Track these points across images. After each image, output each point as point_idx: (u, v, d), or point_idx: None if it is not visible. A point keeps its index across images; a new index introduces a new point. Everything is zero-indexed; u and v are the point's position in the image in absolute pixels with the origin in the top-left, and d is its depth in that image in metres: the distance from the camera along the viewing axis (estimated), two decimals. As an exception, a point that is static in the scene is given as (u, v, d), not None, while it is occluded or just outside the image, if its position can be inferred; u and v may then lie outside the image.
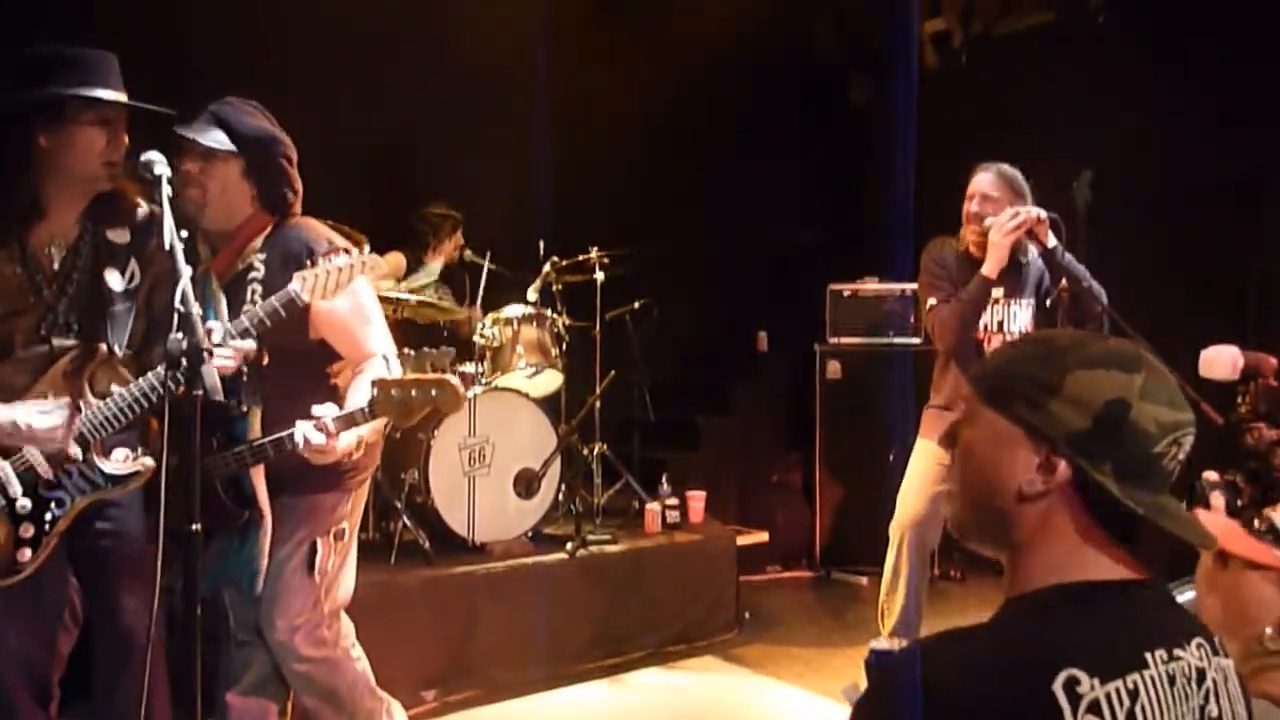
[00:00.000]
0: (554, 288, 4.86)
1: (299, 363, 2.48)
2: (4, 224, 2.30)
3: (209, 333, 2.08)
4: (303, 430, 2.26)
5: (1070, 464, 1.14)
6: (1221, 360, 2.43)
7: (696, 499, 4.88)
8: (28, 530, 2.25)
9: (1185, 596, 1.76)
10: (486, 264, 5.08)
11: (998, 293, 3.52)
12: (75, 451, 2.24)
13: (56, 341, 2.31)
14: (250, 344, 2.24)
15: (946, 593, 4.98)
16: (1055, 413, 1.14)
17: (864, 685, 3.79)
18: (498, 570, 3.99)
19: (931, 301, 3.58)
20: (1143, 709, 1.07)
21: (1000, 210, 3.46)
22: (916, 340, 5.30)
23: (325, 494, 2.54)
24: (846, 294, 5.56)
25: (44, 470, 2.25)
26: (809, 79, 6.34)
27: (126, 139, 2.35)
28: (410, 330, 4.60)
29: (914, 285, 4.16)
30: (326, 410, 2.29)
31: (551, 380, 4.72)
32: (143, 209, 2.44)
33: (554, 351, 4.65)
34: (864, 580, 5.21)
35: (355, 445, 2.35)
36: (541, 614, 4.00)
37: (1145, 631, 1.12)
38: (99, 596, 2.43)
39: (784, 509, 5.63)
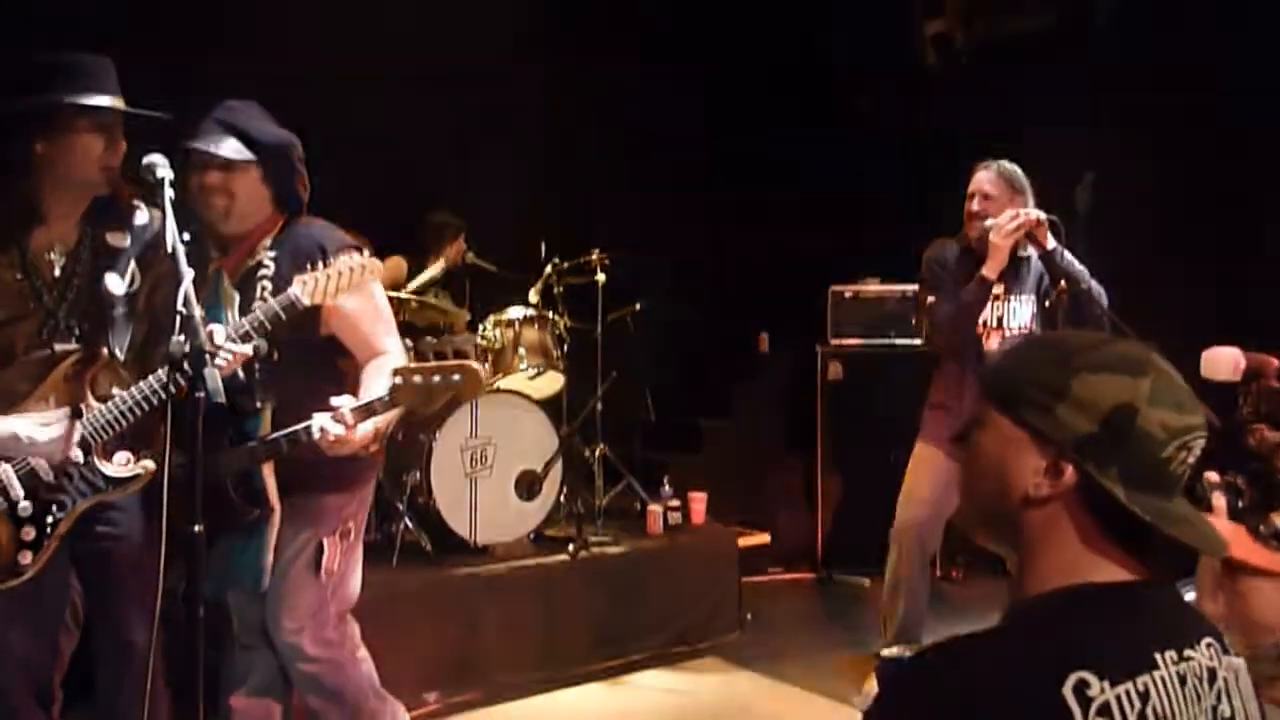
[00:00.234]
0: (555, 289, 4.87)
1: (311, 359, 2.49)
2: (4, 230, 2.30)
3: (210, 335, 2.08)
4: (320, 421, 2.26)
5: (1076, 469, 1.14)
6: (1223, 361, 2.43)
7: (698, 500, 4.87)
8: (29, 533, 2.25)
9: (1185, 598, 1.76)
10: (489, 266, 5.09)
11: (998, 289, 3.52)
12: (77, 455, 2.24)
13: (58, 346, 2.32)
14: (247, 348, 2.24)
15: (948, 594, 4.97)
16: (1061, 417, 1.14)
17: (869, 687, 3.81)
18: (499, 572, 3.99)
19: (931, 300, 3.58)
20: (1154, 710, 1.06)
21: (999, 208, 3.46)
22: (918, 341, 5.29)
23: (332, 494, 2.55)
24: (848, 295, 5.55)
25: (45, 473, 2.25)
26: (811, 80, 6.33)
27: (124, 144, 2.35)
28: (409, 333, 4.59)
29: (915, 286, 4.16)
30: (344, 401, 2.29)
31: (553, 382, 4.72)
32: (141, 212, 2.44)
33: (555, 353, 4.66)
34: (866, 582, 5.21)
35: (372, 436, 2.35)
36: (543, 615, 4.01)
37: (1154, 632, 1.12)
38: (100, 598, 2.44)
39: (786, 510, 5.62)
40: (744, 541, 4.87)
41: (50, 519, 2.27)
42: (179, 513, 1.94)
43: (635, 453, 5.32)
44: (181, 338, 1.96)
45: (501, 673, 3.83)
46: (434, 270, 5.07)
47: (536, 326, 4.61)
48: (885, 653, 3.63)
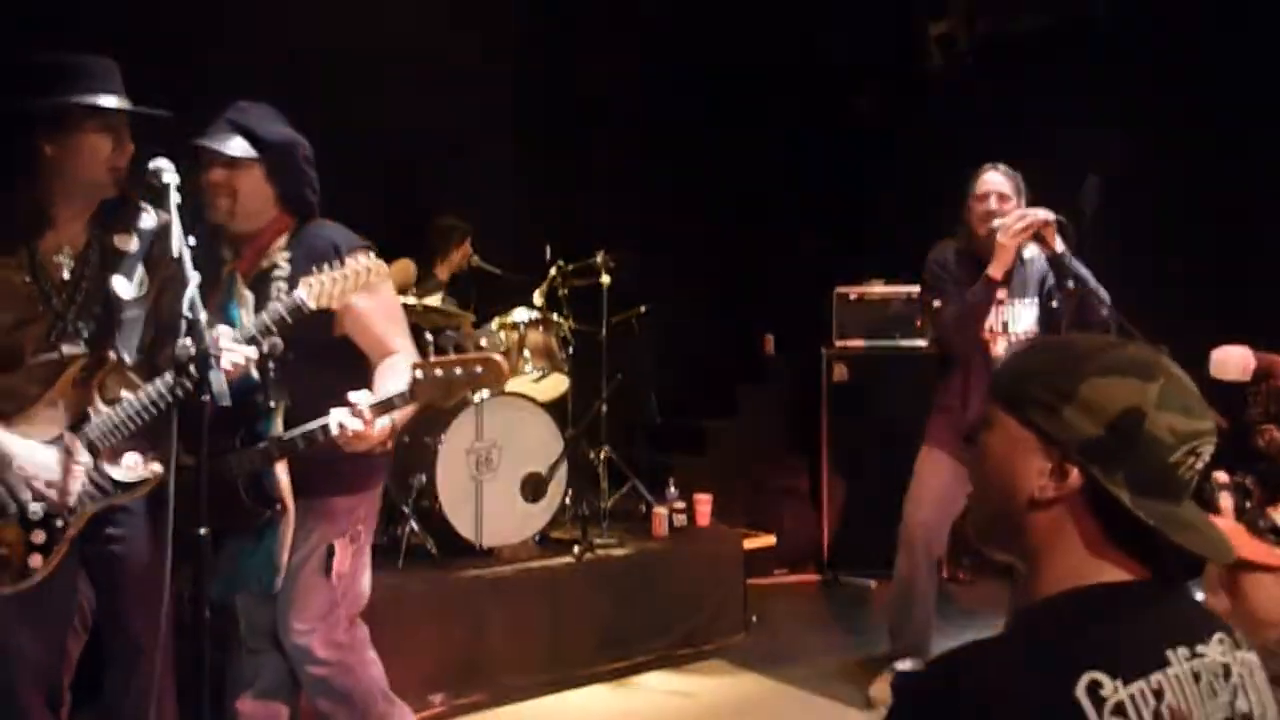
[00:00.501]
0: (560, 292, 4.87)
1: (325, 358, 2.49)
2: (12, 233, 2.31)
3: (216, 339, 2.09)
4: (338, 417, 2.26)
5: (1082, 472, 1.13)
6: (1232, 361, 2.43)
7: (703, 502, 4.87)
8: (39, 536, 2.25)
9: (1195, 596, 1.75)
10: (493, 270, 5.09)
11: (1000, 294, 3.51)
12: (85, 458, 2.25)
13: (66, 349, 2.32)
14: (253, 350, 2.24)
15: (954, 596, 4.97)
16: (1068, 419, 1.14)
17: (874, 690, 3.79)
18: (505, 574, 3.99)
19: (936, 304, 3.57)
20: (1169, 707, 1.06)
21: (1013, 210, 3.45)
22: (923, 343, 5.29)
23: (342, 496, 2.56)
24: (853, 297, 5.56)
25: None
26: (815, 81, 6.33)
27: (132, 145, 2.36)
28: (414, 337, 4.59)
29: (919, 288, 4.15)
30: (362, 396, 2.29)
31: (558, 384, 4.72)
32: (149, 215, 2.45)
33: (560, 355, 4.66)
34: (872, 584, 5.20)
35: (390, 431, 2.35)
36: (548, 617, 4.01)
37: (1164, 630, 1.11)
38: (108, 601, 2.44)
39: (791, 512, 5.61)
40: (749, 543, 4.87)
41: (60, 522, 2.28)
42: (186, 516, 1.94)
43: (640, 455, 5.32)
44: (187, 341, 1.97)
45: (507, 674, 3.83)
46: (441, 276, 5.09)
47: (541, 329, 4.61)
48: (900, 667, 3.62)
